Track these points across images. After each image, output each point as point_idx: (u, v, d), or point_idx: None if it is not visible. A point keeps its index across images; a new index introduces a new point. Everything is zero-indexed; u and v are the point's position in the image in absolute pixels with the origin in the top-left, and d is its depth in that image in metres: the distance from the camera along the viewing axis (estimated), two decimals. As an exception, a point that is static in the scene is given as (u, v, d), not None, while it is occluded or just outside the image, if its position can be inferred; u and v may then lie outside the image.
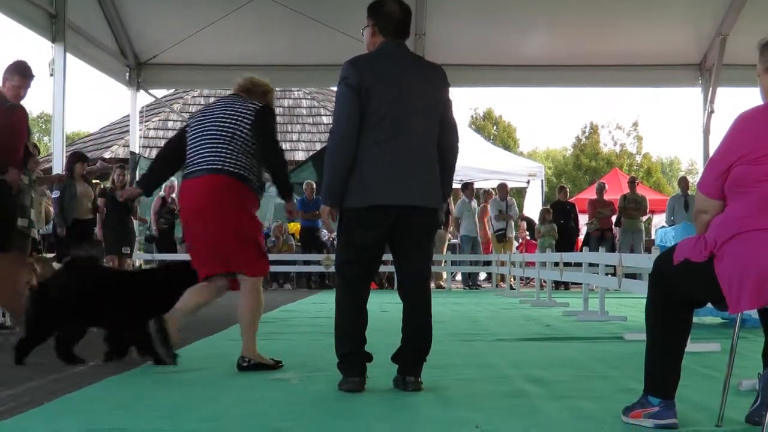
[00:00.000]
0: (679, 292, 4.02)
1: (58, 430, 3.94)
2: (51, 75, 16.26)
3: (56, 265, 8.79)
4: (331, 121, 28.61)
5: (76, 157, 13.38)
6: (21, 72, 8.74)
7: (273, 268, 20.22)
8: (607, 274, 11.31)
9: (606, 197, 20.75)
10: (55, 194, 12.93)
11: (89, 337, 8.33)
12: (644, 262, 9.53)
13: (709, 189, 3.99)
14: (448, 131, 5.21)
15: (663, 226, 15.52)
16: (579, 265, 13.92)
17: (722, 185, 3.92)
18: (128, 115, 24.30)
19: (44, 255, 8.84)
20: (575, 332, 9.03)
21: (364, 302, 5.18)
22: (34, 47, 49.50)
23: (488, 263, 21.04)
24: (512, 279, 18.49)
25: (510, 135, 55.41)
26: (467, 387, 5.27)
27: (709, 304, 4.09)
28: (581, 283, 15.81)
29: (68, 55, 16.49)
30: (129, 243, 14.68)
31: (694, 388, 5.07)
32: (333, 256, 19.58)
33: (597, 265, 11.86)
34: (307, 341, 8.10)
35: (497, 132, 54.54)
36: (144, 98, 22.66)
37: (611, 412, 4.36)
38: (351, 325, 5.09)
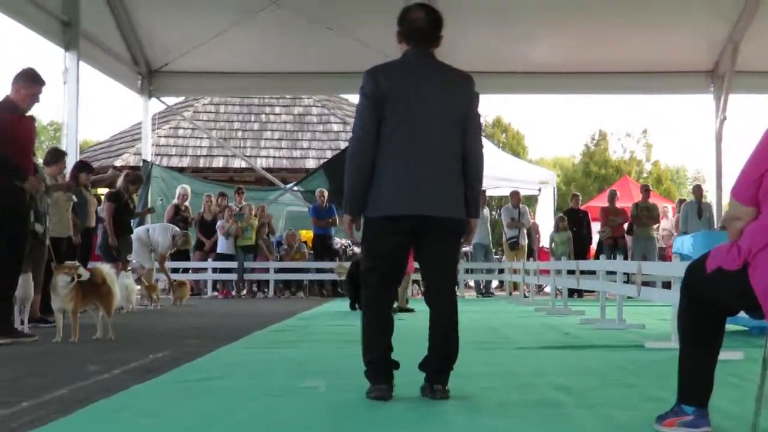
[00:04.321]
0: (712, 300, 3.99)
1: (90, 438, 3.94)
2: (64, 83, 16.31)
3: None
4: (341, 129, 28.65)
5: (81, 167, 13.37)
6: (36, 80, 8.79)
7: (285, 276, 20.41)
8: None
9: (617, 205, 20.73)
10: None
11: (133, 336, 8.37)
12: (663, 269, 9.51)
13: (742, 195, 3.95)
14: (470, 138, 5.16)
15: (685, 232, 15.53)
16: (592, 272, 13.87)
17: (756, 191, 3.88)
18: (138, 123, 24.38)
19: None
20: (594, 340, 8.99)
21: (390, 309, 5.17)
22: (44, 54, 49.44)
23: (501, 271, 21.03)
24: (526, 287, 18.46)
25: (519, 142, 55.33)
26: (493, 395, 5.23)
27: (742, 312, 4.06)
28: (595, 291, 15.74)
29: (80, 63, 16.53)
30: (131, 250, 14.78)
31: (721, 396, 5.01)
32: (346, 264, 19.73)
33: (612, 272, 11.79)
34: (329, 349, 8.08)
35: (506, 139, 54.48)
36: (154, 106, 22.69)
37: (641, 420, 4.34)
38: (377, 332, 5.07)
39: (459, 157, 5.12)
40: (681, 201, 21.98)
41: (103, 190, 19.09)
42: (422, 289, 5.52)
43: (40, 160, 10.77)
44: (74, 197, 11.89)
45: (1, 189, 8.46)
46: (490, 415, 4.56)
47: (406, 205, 4.98)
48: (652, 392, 5.35)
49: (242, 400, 5.01)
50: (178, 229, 16.58)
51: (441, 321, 5.10)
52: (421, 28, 5.16)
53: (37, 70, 8.94)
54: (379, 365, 5.03)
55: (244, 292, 20.41)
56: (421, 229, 5.04)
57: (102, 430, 4.12)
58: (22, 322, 9.24)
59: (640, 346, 8.28)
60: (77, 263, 9.04)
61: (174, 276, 16.92)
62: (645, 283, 12.73)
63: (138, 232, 15.62)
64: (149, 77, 21.26)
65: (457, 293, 16.92)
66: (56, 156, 11.69)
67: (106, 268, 9.14)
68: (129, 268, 14.29)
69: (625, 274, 11.18)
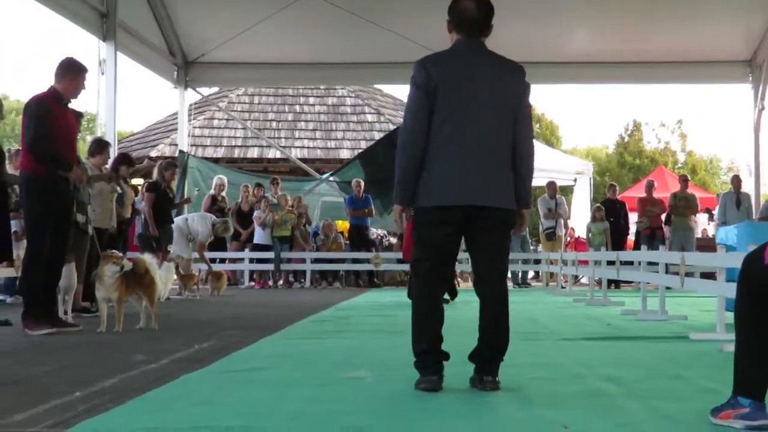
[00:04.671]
0: (771, 291, 3.95)
1: (145, 428, 3.95)
2: (102, 74, 16.40)
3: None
4: (375, 119, 28.61)
5: (122, 159, 13.41)
6: (81, 68, 8.85)
7: (322, 267, 20.45)
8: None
9: (654, 195, 20.61)
10: None
11: (175, 326, 8.42)
12: (707, 260, 9.44)
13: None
14: (521, 128, 5.12)
15: (724, 223, 15.40)
16: (630, 263, 13.79)
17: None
18: (173, 114, 24.49)
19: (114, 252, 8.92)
20: (638, 331, 8.93)
21: (440, 299, 5.16)
22: (80, 45, 49.79)
23: (537, 261, 20.98)
24: (563, 277, 18.38)
25: (553, 132, 55.05)
26: (543, 386, 5.21)
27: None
28: (632, 282, 15.61)
29: (118, 54, 16.63)
30: (171, 241, 14.85)
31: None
32: (382, 255, 19.76)
33: (653, 263, 11.71)
34: (371, 339, 8.08)
35: (540, 130, 54.20)
36: (189, 97, 22.78)
37: (693, 412, 4.30)
38: (427, 323, 5.05)
39: (509, 148, 5.09)
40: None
41: (138, 181, 19.19)
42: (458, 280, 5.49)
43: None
44: (118, 188, 11.95)
45: (45, 180, 8.52)
46: (541, 406, 4.53)
47: (455, 195, 4.97)
48: (702, 384, 5.32)
49: (290, 390, 5.01)
50: (215, 217, 16.65)
51: (491, 312, 5.07)
52: (472, 18, 5.13)
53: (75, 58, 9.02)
54: (430, 356, 5.01)
55: (281, 282, 20.47)
56: (472, 219, 5.02)
57: (157, 419, 4.13)
58: (65, 312, 9.31)
59: (685, 338, 8.22)
60: (121, 253, 9.10)
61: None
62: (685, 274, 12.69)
63: (177, 221, 15.68)
64: (185, 68, 21.36)
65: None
66: (100, 146, 11.74)
67: (148, 258, 9.18)
68: (168, 258, 14.36)
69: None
